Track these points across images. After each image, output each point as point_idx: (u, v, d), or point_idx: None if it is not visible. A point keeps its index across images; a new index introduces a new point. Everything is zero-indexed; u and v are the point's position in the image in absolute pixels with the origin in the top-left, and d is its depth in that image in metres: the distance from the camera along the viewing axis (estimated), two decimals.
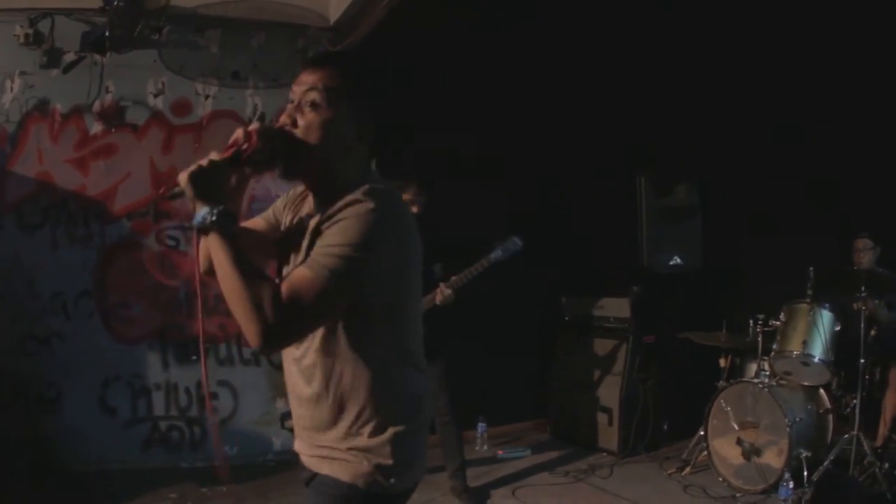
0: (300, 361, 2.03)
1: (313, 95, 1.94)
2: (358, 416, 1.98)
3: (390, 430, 1.98)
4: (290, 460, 6.12)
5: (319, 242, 1.85)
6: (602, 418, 6.45)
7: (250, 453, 5.96)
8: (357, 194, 1.86)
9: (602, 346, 6.63)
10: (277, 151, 1.93)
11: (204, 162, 1.84)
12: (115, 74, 5.75)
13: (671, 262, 6.30)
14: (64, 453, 5.51)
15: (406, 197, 5.05)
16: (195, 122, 5.90)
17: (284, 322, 1.76)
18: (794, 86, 6.10)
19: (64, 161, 5.65)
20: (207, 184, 1.83)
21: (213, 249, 1.82)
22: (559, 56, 6.34)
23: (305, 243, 1.95)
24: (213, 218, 1.80)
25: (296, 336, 1.91)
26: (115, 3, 5.18)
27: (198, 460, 5.86)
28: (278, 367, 6.04)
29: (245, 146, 1.90)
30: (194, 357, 5.85)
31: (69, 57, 5.67)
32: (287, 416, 6.06)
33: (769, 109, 6.31)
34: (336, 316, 1.90)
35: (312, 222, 1.96)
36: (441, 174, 5.92)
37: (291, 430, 5.99)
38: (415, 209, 5.08)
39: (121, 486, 5.32)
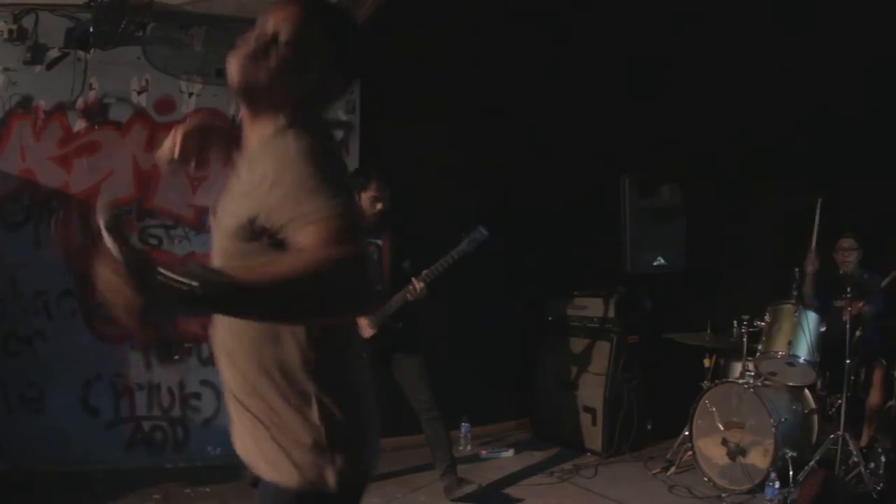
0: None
1: (269, 25, 1.82)
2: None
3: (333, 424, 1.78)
4: None
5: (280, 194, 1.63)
6: (586, 418, 6.44)
7: (233, 453, 5.80)
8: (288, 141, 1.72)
9: (586, 346, 6.62)
10: None
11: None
12: (98, 71, 5.69)
13: (655, 263, 6.28)
14: (47, 453, 5.45)
15: (370, 194, 5.05)
16: (179, 120, 5.74)
17: (345, 294, 1.54)
18: (778, 86, 6.09)
19: (47, 159, 5.60)
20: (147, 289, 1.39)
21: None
22: (544, 55, 6.34)
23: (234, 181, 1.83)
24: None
25: (360, 290, 1.59)
26: None
27: (181, 461, 5.82)
28: None
29: None
30: (176, 357, 5.83)
31: (53, 53, 5.60)
32: None
33: (755, 109, 6.30)
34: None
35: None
36: (424, 174, 5.92)
37: None
38: (379, 206, 5.07)
39: (104, 486, 5.27)
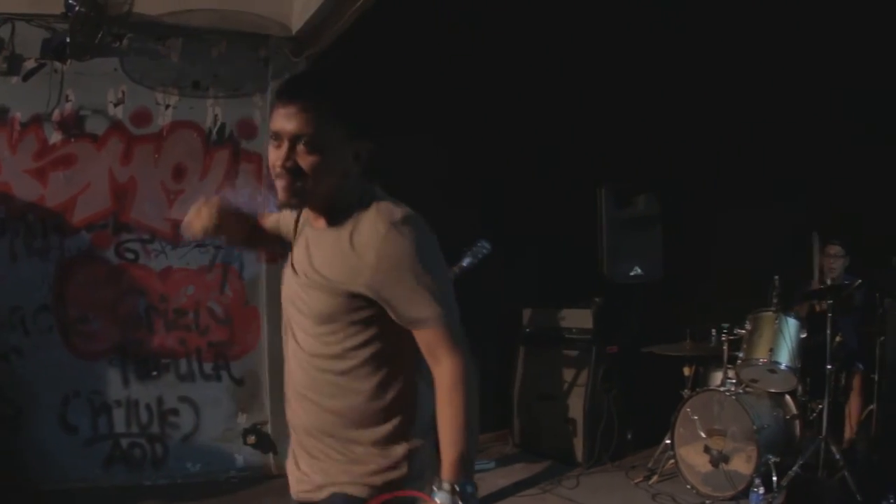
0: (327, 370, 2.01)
1: (306, 137, 1.86)
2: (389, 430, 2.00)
3: (406, 445, 2.00)
4: (254, 477, 6.06)
5: (396, 292, 1.87)
6: (566, 429, 6.39)
7: (213, 470, 5.83)
8: (380, 220, 1.89)
9: (564, 357, 6.57)
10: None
11: None
12: (75, 83, 5.59)
13: (632, 273, 6.30)
14: (25, 471, 5.34)
15: None
16: (155, 133, 5.75)
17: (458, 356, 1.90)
18: (753, 94, 6.14)
19: (23, 171, 5.48)
20: None
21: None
22: (521, 68, 6.35)
23: (313, 251, 2.00)
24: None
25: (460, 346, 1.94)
26: (77, 9, 5.07)
27: (160, 478, 5.72)
28: (239, 383, 5.98)
29: None
30: (154, 373, 5.75)
31: (29, 64, 5.48)
32: (249, 431, 5.98)
33: (729, 118, 6.35)
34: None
35: (325, 236, 1.98)
36: (402, 184, 5.87)
37: (254, 445, 5.96)
38: None
39: None
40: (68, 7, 5.11)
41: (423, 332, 1.89)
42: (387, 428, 1.97)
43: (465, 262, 4.99)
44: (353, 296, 1.89)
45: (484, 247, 5.07)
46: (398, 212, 1.92)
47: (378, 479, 1.96)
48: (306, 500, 2.07)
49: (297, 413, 2.07)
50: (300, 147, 1.86)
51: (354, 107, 1.96)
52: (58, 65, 5.55)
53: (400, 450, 1.98)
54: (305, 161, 1.87)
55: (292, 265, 2.07)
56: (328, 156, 1.88)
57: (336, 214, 1.96)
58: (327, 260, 1.94)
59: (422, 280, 1.85)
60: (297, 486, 2.10)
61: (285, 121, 1.86)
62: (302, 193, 1.90)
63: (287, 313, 2.08)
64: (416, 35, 5.73)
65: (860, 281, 5.54)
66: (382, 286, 1.86)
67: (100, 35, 5.30)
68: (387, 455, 1.98)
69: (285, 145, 1.87)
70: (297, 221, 2.16)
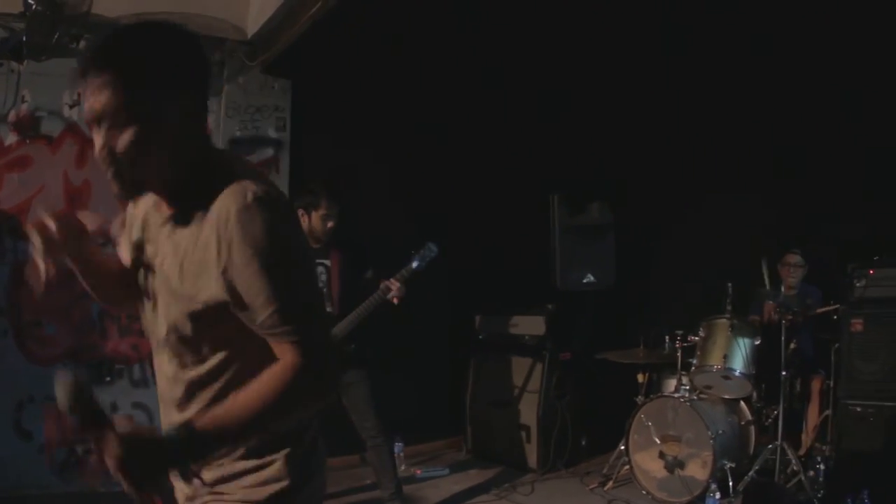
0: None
1: (114, 115, 1.61)
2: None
3: (282, 452, 1.79)
4: None
5: (241, 276, 1.61)
6: (520, 436, 6.39)
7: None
8: (231, 201, 1.62)
9: (517, 363, 6.56)
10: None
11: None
12: (31, 83, 5.52)
13: (584, 280, 6.30)
14: None
15: (320, 212, 4.96)
16: None
17: (318, 373, 1.65)
18: (705, 102, 6.15)
19: None
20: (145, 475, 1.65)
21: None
22: (473, 74, 6.32)
23: (161, 251, 1.78)
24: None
25: (331, 370, 1.70)
26: (34, 7, 5.01)
27: (116, 485, 5.62)
28: None
29: None
30: (108, 379, 5.69)
31: None
32: None
33: (682, 127, 6.36)
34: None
35: (164, 236, 1.78)
36: (351, 191, 5.87)
37: None
38: (330, 224, 4.99)
39: None
40: (26, 6, 5.05)
41: (270, 334, 1.66)
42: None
43: (414, 264, 4.95)
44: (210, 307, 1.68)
45: (431, 249, 5.04)
46: (253, 189, 1.62)
47: (259, 493, 1.78)
48: None
49: None
50: (108, 127, 1.62)
51: (156, 59, 1.65)
52: (14, 65, 5.47)
53: (275, 459, 1.79)
54: (120, 142, 1.62)
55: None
56: (143, 127, 1.61)
57: (184, 199, 1.72)
58: (178, 261, 1.73)
59: (270, 269, 1.60)
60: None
61: (87, 103, 1.64)
62: (131, 181, 1.67)
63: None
64: (369, 40, 5.71)
65: (837, 306, 5.53)
66: (233, 275, 1.62)
67: (56, 35, 5.24)
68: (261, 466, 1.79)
69: (98, 130, 1.64)
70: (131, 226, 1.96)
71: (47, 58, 5.45)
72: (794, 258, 5.88)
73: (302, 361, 1.62)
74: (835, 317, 5.54)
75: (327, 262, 5.05)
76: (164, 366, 1.86)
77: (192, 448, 1.61)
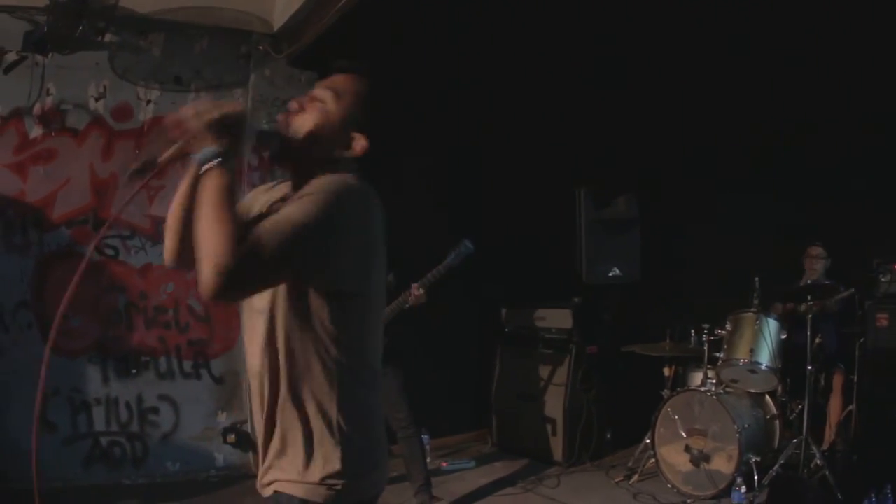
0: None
1: (322, 92, 2.04)
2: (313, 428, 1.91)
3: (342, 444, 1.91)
4: (234, 476, 6.00)
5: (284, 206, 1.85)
6: (546, 429, 6.37)
7: (192, 469, 5.77)
8: (334, 176, 1.92)
9: (544, 357, 6.56)
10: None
11: (231, 108, 1.84)
12: (56, 76, 5.50)
13: (610, 274, 6.28)
14: (3, 470, 5.19)
15: None
16: (136, 128, 5.69)
17: (237, 267, 1.68)
18: (733, 95, 6.14)
19: (2, 165, 5.39)
20: (229, 128, 1.81)
21: (206, 185, 1.76)
22: (501, 70, 6.30)
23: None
24: (222, 151, 1.78)
25: (243, 286, 1.79)
26: None
27: (140, 477, 5.64)
28: (219, 381, 5.93)
29: None
30: (134, 371, 5.68)
31: (11, 57, 5.38)
32: (229, 430, 5.93)
33: (709, 120, 6.35)
34: (288, 277, 1.85)
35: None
36: (381, 186, 5.86)
37: (233, 444, 5.91)
38: None
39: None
40: None
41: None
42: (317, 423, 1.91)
43: (449, 260, 4.97)
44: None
45: (467, 247, 5.05)
46: (351, 178, 1.96)
47: (312, 475, 1.90)
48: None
49: None
50: (311, 102, 2.04)
51: (367, 98, 2.12)
52: (39, 58, 5.45)
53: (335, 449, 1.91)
54: (308, 111, 2.02)
55: None
56: (324, 117, 2.01)
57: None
58: None
59: (304, 205, 1.80)
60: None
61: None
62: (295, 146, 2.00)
63: None
64: (397, 36, 5.70)
65: (852, 290, 5.54)
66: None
67: (81, 27, 5.23)
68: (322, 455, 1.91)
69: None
70: (254, 197, 2.20)
71: (72, 51, 5.46)
72: (816, 250, 5.87)
73: (246, 247, 1.71)
74: (859, 312, 5.55)
75: None
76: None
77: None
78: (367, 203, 1.94)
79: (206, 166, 1.77)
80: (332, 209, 1.82)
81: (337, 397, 1.90)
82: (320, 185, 1.86)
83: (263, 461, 1.99)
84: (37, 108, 5.50)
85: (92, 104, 5.65)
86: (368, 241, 1.94)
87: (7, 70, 5.42)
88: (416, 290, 4.95)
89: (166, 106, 5.79)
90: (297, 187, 1.97)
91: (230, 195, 1.75)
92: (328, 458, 1.89)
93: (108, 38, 5.53)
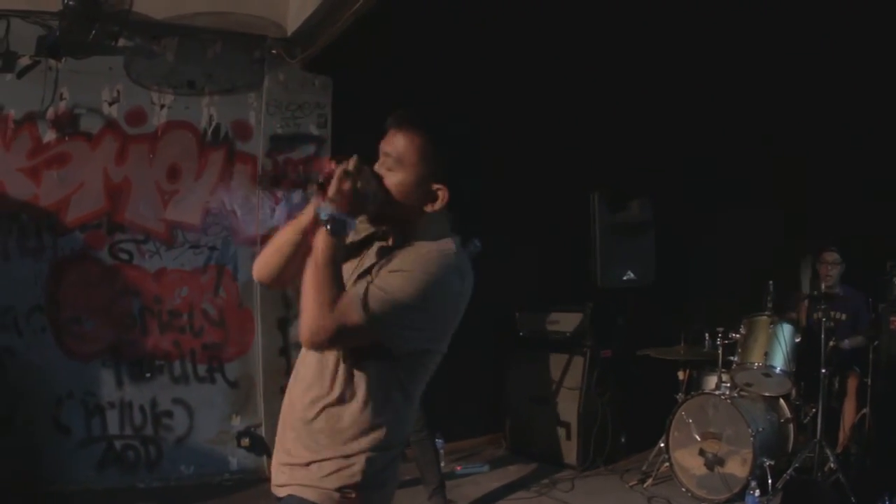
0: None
1: (393, 158, 2.07)
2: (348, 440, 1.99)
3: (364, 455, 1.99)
4: (248, 479, 5.98)
5: (383, 274, 1.94)
6: (560, 433, 6.35)
7: (207, 472, 5.73)
8: (433, 245, 2.01)
9: (557, 360, 6.52)
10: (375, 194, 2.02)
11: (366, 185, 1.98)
12: (69, 81, 5.46)
13: (625, 278, 6.26)
14: (18, 474, 5.17)
15: None
16: (150, 133, 5.65)
17: (335, 331, 1.85)
18: (746, 99, 6.12)
19: (16, 170, 5.35)
20: (356, 205, 1.97)
21: (319, 242, 1.92)
22: (515, 70, 6.30)
23: (368, 261, 2.05)
24: (342, 219, 1.93)
25: (337, 344, 1.94)
26: (70, 3, 4.97)
27: (154, 480, 5.60)
28: (233, 385, 5.92)
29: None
30: (148, 375, 5.66)
31: (24, 61, 5.35)
32: (243, 434, 5.91)
33: (722, 122, 6.33)
34: (374, 340, 1.94)
35: (381, 245, 2.10)
36: None
37: (248, 448, 5.88)
38: None
39: None
40: (63, 3, 5.02)
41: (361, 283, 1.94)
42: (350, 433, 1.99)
43: None
44: None
45: (476, 245, 5.01)
46: (449, 247, 2.05)
47: (331, 483, 1.98)
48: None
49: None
50: (386, 167, 2.09)
51: (439, 149, 2.18)
52: (53, 62, 5.42)
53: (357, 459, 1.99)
54: (387, 176, 2.07)
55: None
56: (403, 179, 2.07)
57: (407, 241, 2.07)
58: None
59: (403, 282, 1.91)
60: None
61: (386, 143, 2.14)
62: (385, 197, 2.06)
63: None
64: (411, 36, 5.69)
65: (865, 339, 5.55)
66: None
67: (93, 32, 5.21)
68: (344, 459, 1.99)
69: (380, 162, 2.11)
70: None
71: (85, 56, 5.42)
72: (831, 256, 5.85)
73: (337, 311, 1.86)
74: (873, 315, 5.53)
75: None
76: None
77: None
78: (462, 276, 2.03)
79: (324, 224, 1.93)
80: (431, 291, 1.93)
81: (384, 430, 2.00)
82: (422, 259, 1.96)
83: (281, 464, 2.08)
84: (50, 113, 5.46)
85: (105, 108, 5.62)
86: (458, 310, 2.07)
87: (20, 74, 5.38)
88: None
89: (180, 111, 5.78)
90: (393, 237, 2.10)
91: (335, 263, 1.92)
92: (352, 471, 1.97)
93: (121, 42, 5.49)
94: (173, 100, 5.78)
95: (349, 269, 2.06)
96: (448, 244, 2.05)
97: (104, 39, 5.33)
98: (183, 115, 5.80)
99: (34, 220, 5.43)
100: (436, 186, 2.09)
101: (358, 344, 1.94)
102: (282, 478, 2.06)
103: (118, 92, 5.65)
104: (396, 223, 2.09)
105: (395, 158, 2.07)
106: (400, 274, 1.92)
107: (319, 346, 1.93)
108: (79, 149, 5.56)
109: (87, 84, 5.57)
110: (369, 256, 2.08)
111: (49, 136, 5.49)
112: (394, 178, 2.05)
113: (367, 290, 1.88)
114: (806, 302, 5.81)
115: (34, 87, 5.40)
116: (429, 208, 2.08)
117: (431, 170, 2.09)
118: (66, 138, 5.53)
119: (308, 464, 1.99)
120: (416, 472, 5.20)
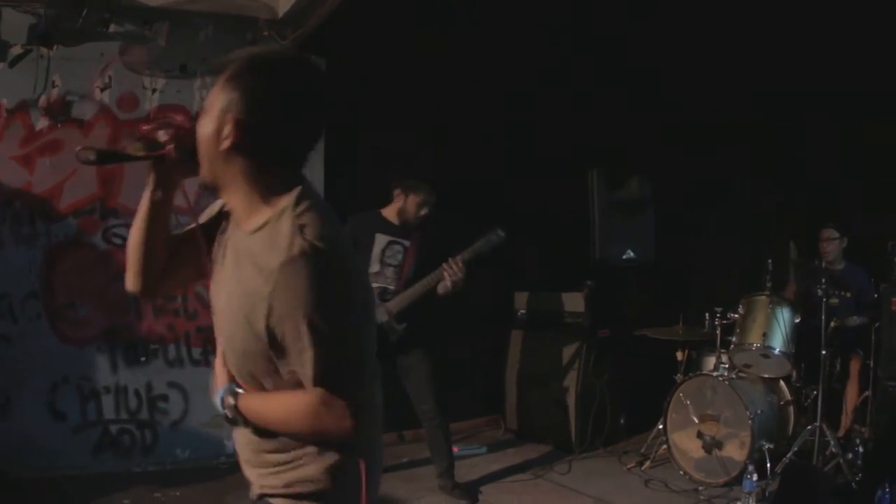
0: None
1: (214, 104, 1.72)
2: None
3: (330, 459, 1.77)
4: None
5: (281, 326, 1.62)
6: (558, 414, 6.21)
7: (202, 456, 5.64)
8: (285, 230, 1.65)
9: (556, 341, 6.36)
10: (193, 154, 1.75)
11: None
12: (61, 68, 5.39)
13: (624, 256, 6.15)
14: (13, 459, 5.18)
15: (418, 199, 4.94)
16: (142, 118, 5.54)
17: (350, 423, 1.66)
18: (745, 76, 5.96)
19: (9, 158, 5.30)
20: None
21: (250, 412, 1.76)
22: (511, 51, 6.15)
23: (228, 268, 1.79)
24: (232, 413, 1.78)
25: (360, 407, 1.69)
26: None
27: (150, 464, 5.56)
28: None
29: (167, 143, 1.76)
30: (143, 359, 5.60)
31: (16, 50, 5.28)
32: None
33: (722, 100, 6.17)
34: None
35: (233, 241, 1.81)
36: (389, 170, 5.77)
37: None
38: (423, 212, 4.95)
39: (72, 492, 5.04)
40: None
41: (303, 380, 1.67)
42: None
43: (476, 246, 4.83)
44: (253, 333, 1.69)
45: (498, 235, 4.91)
46: (300, 243, 1.63)
47: (294, 489, 1.81)
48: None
49: None
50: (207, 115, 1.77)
51: (279, 98, 1.73)
52: (44, 50, 5.33)
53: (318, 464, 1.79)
54: (203, 127, 1.76)
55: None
56: (214, 130, 1.72)
57: (245, 213, 1.77)
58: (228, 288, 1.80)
59: (309, 324, 1.60)
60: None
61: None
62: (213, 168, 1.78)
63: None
64: (403, 16, 5.58)
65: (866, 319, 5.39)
66: (275, 324, 1.64)
67: (82, 17, 5.14)
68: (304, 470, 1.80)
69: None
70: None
71: (77, 43, 5.38)
72: (827, 232, 5.69)
73: (324, 408, 1.64)
74: (875, 296, 5.37)
75: (406, 243, 4.99)
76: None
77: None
78: (332, 263, 1.66)
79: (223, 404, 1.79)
80: (327, 307, 1.62)
81: None
82: (288, 273, 1.60)
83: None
84: (42, 100, 5.40)
85: (97, 94, 5.55)
86: (358, 291, 1.78)
87: (12, 63, 5.31)
88: (457, 264, 4.71)
89: (172, 95, 5.69)
90: (235, 215, 1.81)
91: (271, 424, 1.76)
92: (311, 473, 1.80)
93: (112, 28, 5.41)
94: (165, 84, 5.69)
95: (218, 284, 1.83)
96: (293, 236, 1.64)
97: (95, 26, 5.28)
98: (175, 99, 5.71)
99: (27, 207, 5.38)
100: (229, 117, 1.68)
101: (364, 389, 1.74)
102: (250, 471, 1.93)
103: (110, 77, 5.57)
104: (224, 190, 1.78)
105: (212, 104, 1.72)
106: (296, 328, 1.61)
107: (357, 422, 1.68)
108: (71, 135, 5.48)
109: (79, 71, 5.50)
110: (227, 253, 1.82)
111: (41, 123, 5.43)
112: (200, 130, 1.73)
113: (312, 367, 1.62)
114: (793, 281, 5.64)
115: (26, 76, 5.33)
116: (223, 146, 1.68)
117: (231, 101, 1.69)
118: (59, 125, 5.47)
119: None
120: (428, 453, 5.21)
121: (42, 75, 5.40)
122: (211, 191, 1.80)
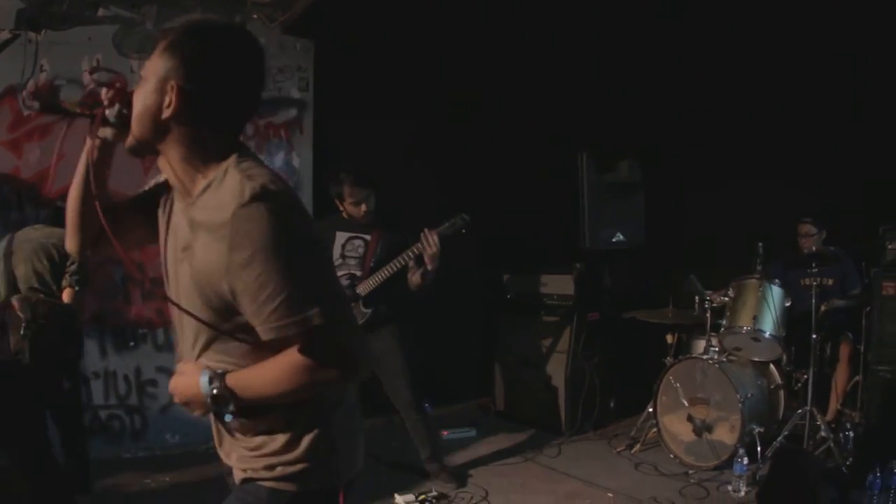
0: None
1: (152, 72, 1.66)
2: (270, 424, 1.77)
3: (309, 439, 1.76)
4: None
5: (239, 277, 1.54)
6: (548, 397, 6.09)
7: (191, 441, 5.50)
8: (232, 188, 1.58)
9: (546, 324, 6.24)
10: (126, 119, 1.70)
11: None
12: (49, 52, 5.26)
13: (613, 239, 6.05)
14: None
15: (348, 200, 4.75)
16: None
17: (347, 373, 1.64)
18: (737, 60, 5.84)
19: None
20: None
21: (244, 393, 1.69)
22: (499, 32, 6.03)
23: (178, 245, 1.73)
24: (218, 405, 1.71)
25: (363, 365, 1.65)
26: None
27: (140, 450, 5.46)
28: None
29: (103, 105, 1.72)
30: (132, 344, 5.50)
31: (3, 35, 5.14)
32: None
33: (713, 83, 6.07)
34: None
35: (177, 215, 1.76)
36: (378, 154, 5.67)
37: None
38: (363, 208, 4.73)
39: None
40: None
41: (278, 327, 1.56)
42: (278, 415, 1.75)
43: (441, 229, 4.68)
44: (214, 302, 1.64)
45: (463, 219, 4.79)
46: (251, 186, 1.56)
47: (277, 472, 1.77)
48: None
49: None
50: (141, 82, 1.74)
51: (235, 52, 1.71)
52: (32, 35, 5.22)
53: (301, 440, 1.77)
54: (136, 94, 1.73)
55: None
56: (148, 100, 1.68)
57: (185, 182, 1.72)
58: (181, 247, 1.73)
59: (271, 264, 1.52)
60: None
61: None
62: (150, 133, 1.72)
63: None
64: (391, 3, 5.48)
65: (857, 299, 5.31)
66: (233, 278, 1.56)
67: (66, 3, 5.05)
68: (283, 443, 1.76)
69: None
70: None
71: (65, 27, 5.29)
72: (805, 228, 5.57)
73: (317, 355, 1.58)
74: (866, 280, 5.27)
75: (367, 237, 4.82)
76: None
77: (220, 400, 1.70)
78: (291, 207, 1.61)
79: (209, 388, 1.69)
80: (292, 252, 1.54)
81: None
82: (246, 228, 1.52)
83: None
84: (30, 85, 5.27)
85: (86, 79, 5.42)
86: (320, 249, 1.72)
87: (0, 49, 5.22)
88: (433, 235, 4.52)
89: None
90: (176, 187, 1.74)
91: (267, 396, 1.69)
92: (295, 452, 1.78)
93: (100, 12, 5.33)
94: None
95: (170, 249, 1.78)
96: (242, 182, 1.58)
97: (83, 10, 5.18)
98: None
99: (15, 192, 5.25)
100: (170, 85, 1.63)
101: (363, 350, 1.67)
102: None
103: (98, 61, 5.45)
104: (161, 159, 1.73)
105: (145, 70, 1.69)
106: (264, 272, 1.52)
107: (360, 376, 1.66)
108: (59, 120, 5.38)
109: (67, 55, 5.36)
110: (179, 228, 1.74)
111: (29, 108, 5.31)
112: (137, 96, 1.69)
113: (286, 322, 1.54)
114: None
115: (14, 61, 5.20)
116: (165, 114, 1.63)
117: (170, 69, 1.64)
118: None
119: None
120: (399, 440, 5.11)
121: (30, 60, 5.28)
122: (140, 156, 1.77)
